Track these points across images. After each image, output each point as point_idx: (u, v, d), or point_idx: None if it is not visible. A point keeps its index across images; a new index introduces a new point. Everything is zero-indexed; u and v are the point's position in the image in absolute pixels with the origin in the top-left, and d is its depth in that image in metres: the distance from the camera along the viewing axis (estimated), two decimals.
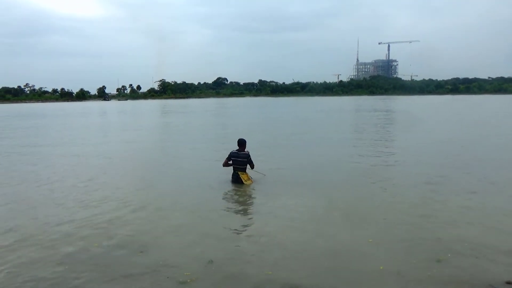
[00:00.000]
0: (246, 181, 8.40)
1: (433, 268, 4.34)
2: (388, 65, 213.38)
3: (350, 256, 4.72)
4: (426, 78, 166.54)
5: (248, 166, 8.57)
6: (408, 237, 5.28)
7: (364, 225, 5.81)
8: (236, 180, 8.44)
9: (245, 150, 8.59)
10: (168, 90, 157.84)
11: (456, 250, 4.80)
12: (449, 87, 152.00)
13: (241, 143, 8.61)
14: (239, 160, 8.50)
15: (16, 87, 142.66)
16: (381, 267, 4.34)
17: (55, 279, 4.21)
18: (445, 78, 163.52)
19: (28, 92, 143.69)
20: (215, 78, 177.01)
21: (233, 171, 8.56)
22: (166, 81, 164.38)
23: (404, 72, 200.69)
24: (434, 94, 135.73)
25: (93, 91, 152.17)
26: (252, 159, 8.58)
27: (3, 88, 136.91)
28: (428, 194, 7.40)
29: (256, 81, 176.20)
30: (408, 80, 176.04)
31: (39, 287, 4.07)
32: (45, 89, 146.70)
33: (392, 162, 10.85)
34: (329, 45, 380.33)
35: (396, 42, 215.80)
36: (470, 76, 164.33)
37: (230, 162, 8.58)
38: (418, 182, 8.45)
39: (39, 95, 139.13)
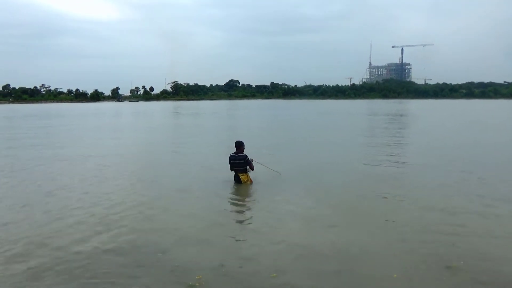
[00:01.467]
0: (245, 182, 8.50)
1: (444, 276, 4.29)
2: (401, 69, 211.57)
3: (358, 260, 4.68)
4: (440, 82, 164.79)
5: (248, 168, 8.61)
6: (420, 242, 5.21)
7: (373, 228, 5.74)
8: (238, 181, 8.53)
9: (243, 152, 8.61)
10: (181, 91, 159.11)
11: (470, 257, 4.74)
12: (464, 91, 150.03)
13: (238, 145, 8.64)
14: (236, 162, 8.55)
15: (32, 87, 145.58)
16: (395, 275, 4.29)
17: (79, 271, 4.33)
18: (460, 82, 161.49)
19: (44, 92, 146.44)
20: (227, 80, 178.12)
21: (234, 173, 8.65)
22: (179, 82, 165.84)
23: (418, 76, 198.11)
24: (448, 98, 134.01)
25: (107, 92, 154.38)
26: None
27: (20, 88, 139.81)
28: (442, 199, 7.29)
29: (268, 84, 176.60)
30: (422, 84, 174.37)
31: (65, 278, 4.17)
32: (61, 90, 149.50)
33: (404, 165, 10.74)
34: (341, 48, 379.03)
35: (409, 46, 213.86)
36: (486, 80, 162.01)
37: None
38: (432, 186, 8.34)
39: (54, 96, 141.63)
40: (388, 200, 7.36)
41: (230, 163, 8.63)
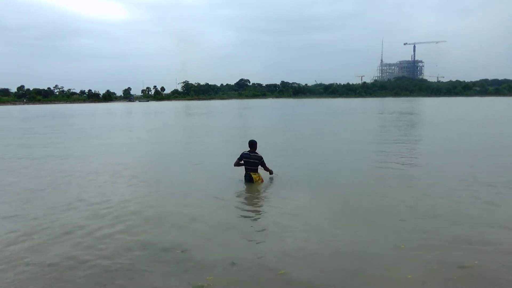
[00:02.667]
0: (257, 181, 8.51)
1: (458, 276, 4.21)
2: (413, 66, 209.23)
3: (370, 261, 4.61)
4: (453, 80, 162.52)
5: (260, 167, 8.63)
6: (434, 242, 5.12)
7: (385, 228, 5.66)
8: (249, 180, 8.51)
9: (257, 152, 8.65)
10: (192, 91, 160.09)
11: (485, 257, 4.65)
12: (478, 88, 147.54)
13: (252, 144, 8.65)
14: (251, 161, 8.54)
15: (46, 88, 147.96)
16: (409, 276, 4.23)
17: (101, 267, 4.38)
18: (473, 80, 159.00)
19: (57, 93, 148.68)
20: (237, 80, 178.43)
21: (245, 172, 8.61)
22: (190, 82, 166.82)
23: (430, 73, 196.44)
24: (462, 96, 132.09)
25: (119, 93, 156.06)
26: (266, 160, 8.66)
27: (34, 89, 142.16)
28: (457, 198, 7.17)
29: (278, 83, 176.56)
30: (434, 82, 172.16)
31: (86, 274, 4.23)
32: (74, 91, 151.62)
33: (417, 165, 10.60)
34: (352, 46, 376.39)
35: (422, 43, 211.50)
36: (500, 77, 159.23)
37: (242, 162, 8.63)
38: (447, 185, 8.21)
39: (67, 96, 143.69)
40: (401, 199, 7.26)
41: (243, 160, 8.60)
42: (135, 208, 6.90)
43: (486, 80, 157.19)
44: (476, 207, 6.73)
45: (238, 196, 7.78)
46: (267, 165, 8.75)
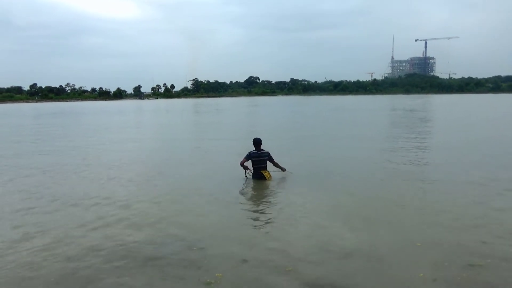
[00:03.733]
0: (268, 178, 8.57)
1: (470, 274, 4.20)
2: (425, 63, 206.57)
3: (381, 260, 4.61)
4: (465, 76, 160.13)
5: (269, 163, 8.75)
6: (447, 240, 5.10)
7: (396, 227, 5.65)
8: (260, 177, 8.53)
9: (263, 149, 8.72)
10: (201, 89, 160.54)
11: (496, 256, 4.63)
12: (490, 85, 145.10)
13: (257, 142, 8.67)
14: (260, 159, 8.59)
15: (58, 86, 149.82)
16: (421, 275, 4.22)
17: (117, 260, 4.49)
18: (486, 76, 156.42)
19: (69, 91, 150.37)
20: (247, 77, 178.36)
21: (255, 171, 8.60)
22: (199, 80, 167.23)
23: (442, 70, 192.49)
24: (474, 93, 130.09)
25: (130, 90, 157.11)
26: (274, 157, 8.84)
27: (46, 87, 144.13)
28: (470, 197, 7.13)
29: (288, 80, 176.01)
30: (446, 78, 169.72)
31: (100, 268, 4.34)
32: (85, 88, 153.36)
33: (429, 163, 10.53)
34: (362, 43, 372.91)
35: (433, 39, 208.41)
36: None
37: (249, 161, 8.61)
38: (460, 183, 8.18)
39: (79, 94, 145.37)
40: (412, 198, 7.24)
41: (253, 159, 8.60)
42: (143, 204, 7.01)
43: (499, 77, 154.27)
44: (490, 206, 6.66)
45: (249, 194, 7.84)
46: (275, 160, 8.85)
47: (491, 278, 4.18)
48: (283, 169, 8.92)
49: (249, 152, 8.64)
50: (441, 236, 5.32)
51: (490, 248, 4.88)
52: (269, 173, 8.65)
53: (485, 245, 4.98)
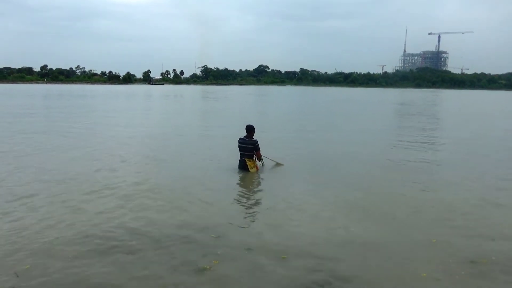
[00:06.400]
0: (251, 168, 8.29)
1: (475, 272, 4.21)
2: (437, 57, 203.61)
3: (380, 254, 4.65)
4: (478, 72, 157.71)
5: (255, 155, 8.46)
6: (450, 238, 5.11)
7: (396, 224, 5.68)
8: (243, 167, 8.35)
9: (253, 137, 8.44)
10: (210, 76, 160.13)
11: (503, 253, 4.66)
12: (503, 82, 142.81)
13: (249, 129, 8.45)
14: (245, 146, 8.37)
15: (68, 68, 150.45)
16: (424, 275, 4.22)
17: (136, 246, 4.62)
18: (499, 72, 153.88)
19: (79, 73, 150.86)
20: (256, 66, 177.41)
21: (240, 158, 8.47)
22: (209, 67, 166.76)
23: (455, 65, 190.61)
24: (486, 89, 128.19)
25: (139, 75, 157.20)
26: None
27: (56, 69, 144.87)
28: (477, 195, 7.11)
29: (297, 70, 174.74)
30: (458, 74, 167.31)
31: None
32: (95, 71, 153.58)
33: (432, 159, 10.44)
34: (375, 35, 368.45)
35: (447, 33, 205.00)
36: None
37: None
38: (466, 181, 8.12)
39: (89, 77, 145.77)
40: (414, 194, 7.22)
41: (239, 146, 8.51)
42: (148, 191, 7.11)
43: None
44: (496, 203, 6.66)
45: (252, 185, 7.85)
46: (262, 152, 8.55)
47: (495, 275, 4.19)
48: (262, 164, 8.67)
49: (239, 138, 8.59)
50: (447, 234, 5.28)
51: (495, 244, 4.89)
52: (253, 163, 8.39)
53: (495, 242, 4.97)
